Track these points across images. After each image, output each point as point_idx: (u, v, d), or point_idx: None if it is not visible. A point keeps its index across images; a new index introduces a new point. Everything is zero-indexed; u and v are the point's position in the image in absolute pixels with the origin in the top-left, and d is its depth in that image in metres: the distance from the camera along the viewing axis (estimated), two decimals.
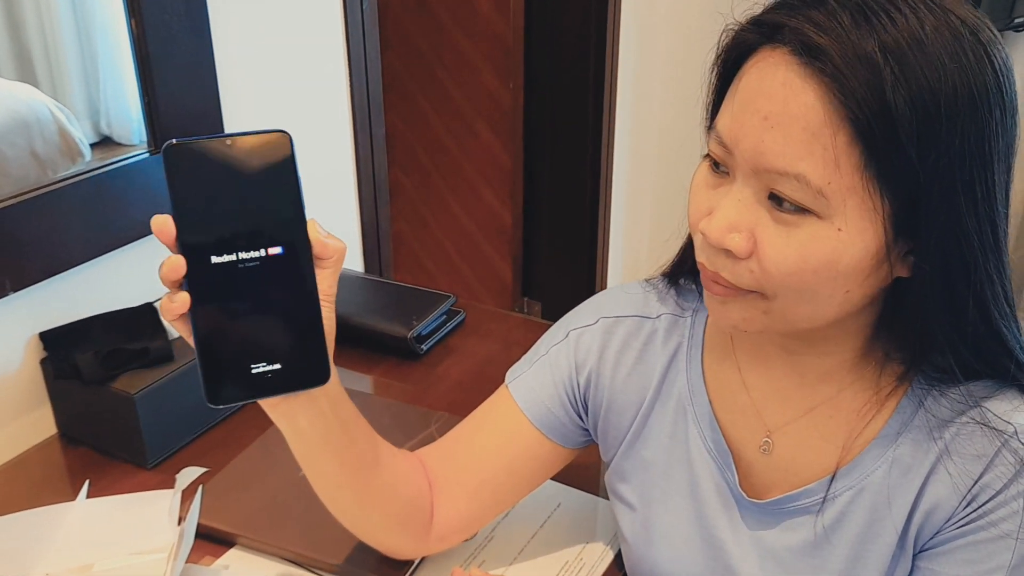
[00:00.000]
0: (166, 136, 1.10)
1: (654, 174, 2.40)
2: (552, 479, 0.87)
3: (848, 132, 0.57)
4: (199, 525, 0.87)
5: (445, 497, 0.82)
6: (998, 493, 0.65)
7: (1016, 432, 0.65)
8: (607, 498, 0.87)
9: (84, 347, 1.00)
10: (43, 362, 1.03)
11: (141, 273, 1.08)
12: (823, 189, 0.58)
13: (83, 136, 1.07)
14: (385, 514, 0.78)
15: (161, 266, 0.60)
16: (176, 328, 0.63)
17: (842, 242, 0.59)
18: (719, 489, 0.76)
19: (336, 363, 0.66)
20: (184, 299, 0.60)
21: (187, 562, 0.84)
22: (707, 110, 0.68)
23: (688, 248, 0.76)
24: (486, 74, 2.27)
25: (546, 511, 0.94)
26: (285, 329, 0.63)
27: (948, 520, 0.67)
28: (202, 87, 1.14)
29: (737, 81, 0.62)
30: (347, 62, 1.39)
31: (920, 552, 0.69)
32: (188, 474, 0.96)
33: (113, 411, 0.98)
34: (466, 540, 0.88)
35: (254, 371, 0.62)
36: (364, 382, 1.20)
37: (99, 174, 1.05)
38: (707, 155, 0.65)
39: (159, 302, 0.73)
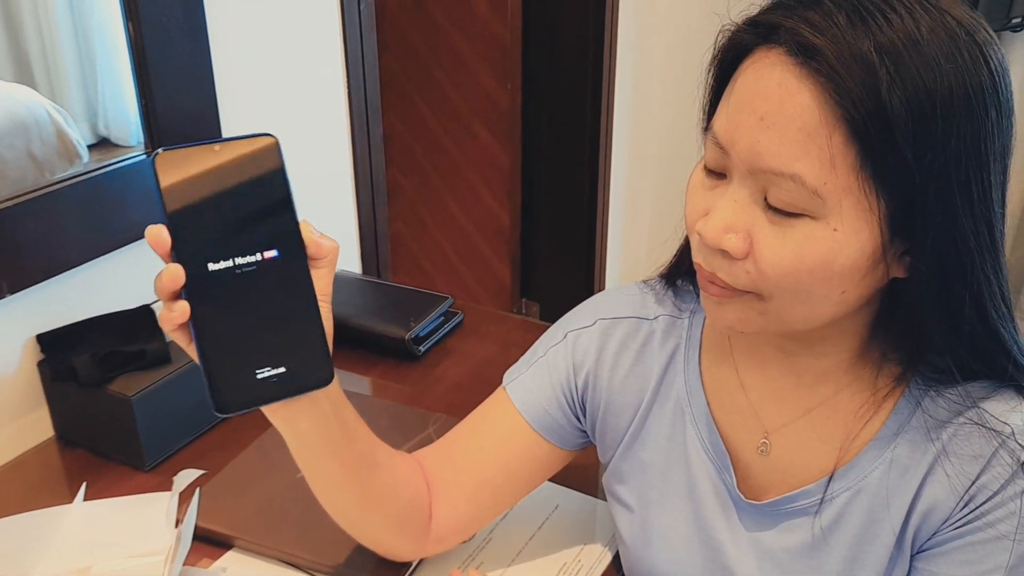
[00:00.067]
0: (163, 138, 1.10)
1: (653, 175, 2.40)
2: (550, 481, 0.87)
3: (844, 132, 0.57)
4: (196, 527, 0.87)
5: (443, 499, 0.81)
6: (995, 494, 0.65)
7: (1013, 433, 0.65)
8: (605, 500, 0.86)
9: (81, 349, 1.00)
10: (40, 364, 1.03)
11: (138, 275, 1.07)
12: (819, 189, 0.58)
13: (81, 138, 1.07)
14: (384, 516, 0.78)
15: (159, 277, 0.60)
16: (175, 339, 0.62)
17: (838, 242, 0.59)
18: (717, 490, 0.76)
19: (334, 364, 0.66)
20: (184, 308, 0.60)
21: (184, 564, 0.84)
22: (703, 111, 0.68)
23: (685, 249, 0.76)
24: (484, 75, 2.26)
25: (544, 513, 0.94)
26: (287, 332, 0.63)
27: (945, 521, 0.67)
28: (199, 89, 1.14)
29: (733, 82, 0.62)
30: (345, 63, 1.39)
31: (918, 553, 0.69)
32: (185, 476, 0.96)
33: (110, 413, 0.98)
34: (464, 542, 0.88)
35: (260, 376, 0.62)
36: (362, 383, 1.19)
37: (97, 176, 1.05)
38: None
39: (157, 305, 0.73)
